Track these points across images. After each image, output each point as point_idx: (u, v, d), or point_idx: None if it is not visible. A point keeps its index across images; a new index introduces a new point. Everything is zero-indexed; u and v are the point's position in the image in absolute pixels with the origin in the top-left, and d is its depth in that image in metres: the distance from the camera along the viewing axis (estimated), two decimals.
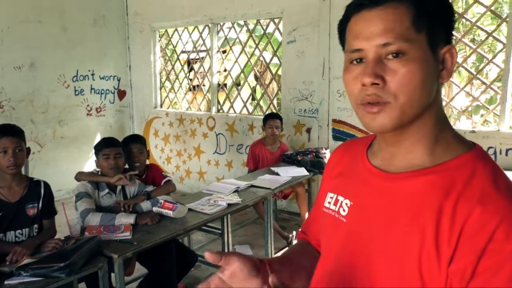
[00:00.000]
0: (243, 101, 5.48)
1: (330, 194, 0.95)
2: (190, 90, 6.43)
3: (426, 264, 0.72)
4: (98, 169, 2.94)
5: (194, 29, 5.87)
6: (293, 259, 1.00)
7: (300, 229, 1.22)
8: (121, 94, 6.52)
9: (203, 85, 6.24)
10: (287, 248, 1.18)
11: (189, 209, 2.90)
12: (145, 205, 2.85)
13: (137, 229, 2.56)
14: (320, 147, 4.46)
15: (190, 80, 6.57)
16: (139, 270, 3.13)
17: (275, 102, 5.89)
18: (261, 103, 5.58)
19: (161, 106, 6.42)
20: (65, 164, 5.75)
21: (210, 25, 5.55)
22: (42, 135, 5.66)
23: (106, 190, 2.80)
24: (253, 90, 5.48)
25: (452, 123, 4.04)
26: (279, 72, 5.19)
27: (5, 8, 5.15)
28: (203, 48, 5.96)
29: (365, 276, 0.81)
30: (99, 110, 6.26)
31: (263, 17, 5.15)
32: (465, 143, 0.82)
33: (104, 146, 2.87)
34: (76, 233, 2.48)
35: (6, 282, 1.92)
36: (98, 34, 6.12)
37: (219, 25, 5.56)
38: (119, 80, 6.47)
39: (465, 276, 0.68)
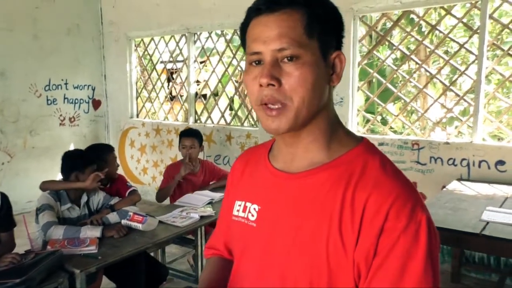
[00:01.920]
0: (220, 111, 5.42)
1: (238, 202, 0.96)
2: (168, 100, 6.34)
3: (333, 253, 0.77)
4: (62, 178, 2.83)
5: (170, 38, 5.80)
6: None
7: (206, 246, 1.17)
8: (96, 103, 6.39)
9: (181, 95, 6.16)
10: (204, 272, 1.10)
11: (160, 222, 2.81)
12: (112, 217, 2.75)
13: (103, 242, 2.46)
14: None
15: (170, 90, 6.48)
16: (108, 284, 3.01)
17: (253, 112, 5.84)
18: (239, 113, 5.52)
19: (137, 116, 6.31)
20: (36, 175, 5.54)
21: (186, 34, 5.49)
22: (12, 145, 5.49)
23: (69, 204, 2.68)
24: (231, 100, 5.42)
25: (426, 134, 4.10)
26: None
27: None
28: (181, 58, 5.89)
29: (278, 275, 0.84)
30: (72, 120, 6.11)
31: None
32: (355, 138, 0.89)
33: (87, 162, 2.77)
34: (37, 247, 2.36)
35: None
36: (72, 43, 6.00)
37: (196, 34, 5.51)
38: (93, 90, 6.34)
39: (368, 257, 0.75)
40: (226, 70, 5.39)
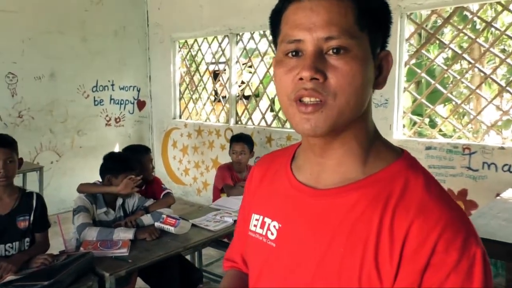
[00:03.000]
0: (261, 112, 5.34)
1: (255, 216, 0.86)
2: (211, 101, 6.33)
3: (366, 285, 0.67)
4: (100, 181, 2.85)
5: (213, 39, 5.80)
6: None
7: (224, 257, 1.07)
8: (141, 104, 6.50)
9: (223, 97, 6.14)
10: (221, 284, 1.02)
11: (193, 225, 2.77)
12: (146, 219, 2.74)
13: (135, 245, 2.44)
14: None
15: (216, 91, 6.49)
16: (143, 286, 3.01)
17: None
18: (280, 114, 5.42)
19: (180, 117, 6.36)
20: (82, 174, 5.69)
21: (229, 35, 5.46)
22: (61, 144, 5.67)
23: (104, 208, 2.69)
24: (272, 101, 5.33)
25: (479, 138, 3.83)
26: None
27: (27, 20, 5.20)
28: (224, 59, 5.87)
29: None
30: (118, 120, 6.25)
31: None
32: (395, 150, 0.78)
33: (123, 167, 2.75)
34: (71, 248, 2.38)
35: None
36: (118, 45, 6.12)
37: (238, 35, 5.47)
38: (139, 91, 6.45)
39: None
40: (267, 71, 5.30)
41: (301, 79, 0.68)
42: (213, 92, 6.05)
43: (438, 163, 3.85)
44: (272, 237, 0.81)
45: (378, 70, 0.75)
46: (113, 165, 2.76)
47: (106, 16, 5.94)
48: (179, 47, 6.27)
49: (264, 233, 0.83)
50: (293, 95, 0.70)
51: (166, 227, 2.61)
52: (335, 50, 0.68)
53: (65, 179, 5.56)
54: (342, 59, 0.68)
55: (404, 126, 4.33)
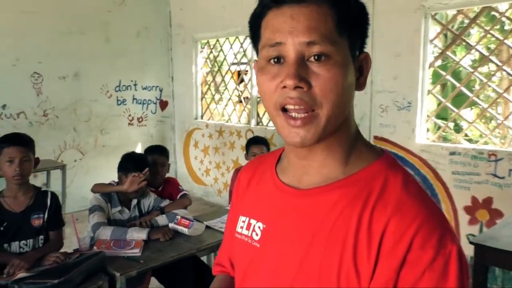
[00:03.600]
0: None
1: (242, 218, 0.88)
2: (232, 101, 6.32)
3: (345, 283, 0.68)
4: (116, 181, 2.86)
5: (235, 40, 5.79)
6: None
7: (214, 262, 1.08)
8: (163, 104, 6.54)
9: (245, 98, 6.13)
10: None
11: (208, 227, 2.75)
12: (161, 219, 2.74)
13: (148, 246, 2.44)
14: None
15: (241, 92, 6.48)
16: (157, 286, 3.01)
17: None
18: None
19: (201, 118, 6.37)
20: (105, 173, 5.76)
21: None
22: (84, 143, 5.76)
23: (119, 207, 2.69)
24: None
25: (507, 144, 3.69)
26: None
27: (52, 20, 5.32)
28: (246, 59, 5.85)
29: None
30: (140, 120, 6.31)
31: None
32: (375, 151, 0.79)
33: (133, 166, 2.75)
34: (84, 246, 2.39)
35: None
36: (141, 45, 6.19)
37: None
38: (161, 91, 6.50)
39: None
40: None
41: (285, 87, 0.69)
42: (236, 93, 6.03)
43: (462, 169, 3.73)
44: (257, 238, 0.82)
45: (359, 72, 0.76)
46: (125, 164, 2.78)
47: (129, 16, 6.01)
48: (201, 47, 6.29)
49: (249, 234, 0.84)
50: (278, 104, 0.70)
51: (180, 228, 2.60)
52: (316, 57, 0.68)
53: (88, 177, 5.62)
54: (323, 66, 0.68)
55: (428, 130, 4.21)
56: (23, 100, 5.19)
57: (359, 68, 0.76)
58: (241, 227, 0.87)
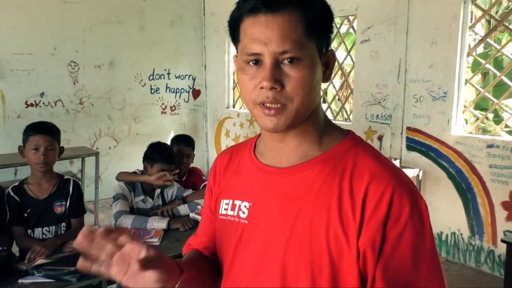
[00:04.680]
0: None
1: (224, 201, 0.95)
2: None
3: (334, 242, 0.78)
4: (140, 169, 2.89)
5: None
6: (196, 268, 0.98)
7: (186, 243, 1.14)
8: (196, 93, 6.58)
9: None
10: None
11: None
12: (183, 209, 2.75)
13: (168, 235, 2.45)
14: (391, 157, 4.05)
15: None
16: None
17: (346, 106, 5.53)
18: (333, 106, 5.26)
19: (233, 107, 6.36)
20: (138, 161, 5.85)
21: None
22: (118, 131, 5.89)
23: (142, 196, 2.72)
24: (324, 92, 5.17)
25: None
26: (352, 74, 4.84)
27: (88, 10, 5.42)
28: None
29: (277, 271, 0.83)
30: (173, 108, 6.37)
31: (337, 14, 4.81)
32: (342, 131, 0.91)
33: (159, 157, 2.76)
34: None
35: (20, 281, 1.91)
36: (175, 34, 6.22)
37: None
38: (194, 80, 6.53)
39: (375, 244, 0.76)
40: None
41: (262, 87, 0.79)
42: None
43: (500, 163, 3.54)
44: (244, 216, 0.90)
45: (325, 66, 0.86)
46: (151, 154, 2.79)
47: (163, 5, 6.04)
48: None
49: (235, 214, 0.91)
50: (257, 101, 0.81)
51: (200, 218, 2.59)
52: (288, 60, 0.78)
53: (122, 164, 5.74)
54: (295, 68, 0.79)
55: (466, 122, 4.02)
56: (60, 88, 5.34)
57: (325, 63, 0.85)
58: (225, 209, 0.93)
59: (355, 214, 0.78)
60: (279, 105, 0.80)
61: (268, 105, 0.80)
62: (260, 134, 0.97)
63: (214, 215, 0.99)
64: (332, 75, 0.94)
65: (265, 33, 0.78)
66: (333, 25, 0.87)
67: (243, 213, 0.90)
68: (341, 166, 0.83)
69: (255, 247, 0.86)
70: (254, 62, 0.81)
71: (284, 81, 0.79)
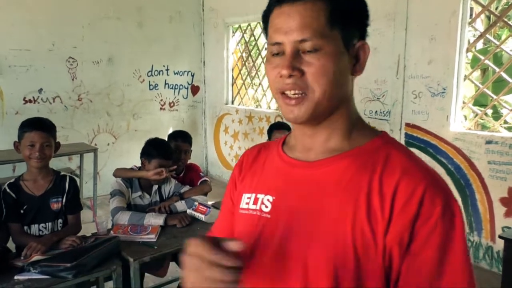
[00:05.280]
0: None
1: (246, 195, 0.93)
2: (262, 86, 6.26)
3: (360, 238, 0.76)
4: (138, 166, 2.89)
5: None
6: None
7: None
8: (195, 89, 6.56)
9: None
10: None
11: None
12: (180, 205, 2.74)
13: (165, 231, 2.45)
14: None
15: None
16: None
17: None
18: None
19: (232, 103, 6.35)
20: (137, 157, 5.84)
21: None
22: (117, 127, 5.88)
23: (139, 192, 2.71)
24: None
25: None
26: None
27: (87, 6, 5.40)
28: None
29: (300, 266, 0.80)
30: (172, 104, 6.36)
31: None
32: (374, 130, 0.89)
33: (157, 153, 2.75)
34: (102, 230, 2.42)
35: (15, 277, 1.90)
36: (173, 30, 6.20)
37: None
38: (193, 76, 6.51)
39: (403, 243, 0.74)
40: None
41: (282, 76, 0.79)
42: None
43: (499, 159, 3.54)
44: (267, 210, 0.87)
45: (355, 59, 0.83)
46: (149, 149, 2.79)
47: (162, 1, 6.02)
48: (233, 32, 6.23)
49: (258, 208, 0.89)
50: (278, 89, 0.82)
51: (197, 214, 2.59)
52: (309, 49, 0.78)
53: (121, 160, 5.73)
54: (315, 56, 0.78)
55: (465, 118, 4.01)
56: (59, 84, 5.33)
57: (356, 56, 0.83)
58: (247, 203, 0.91)
59: (383, 212, 0.75)
60: (299, 95, 0.80)
61: (289, 94, 0.80)
62: (291, 132, 0.96)
63: (231, 210, 0.98)
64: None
65: (286, 23, 0.79)
66: (367, 16, 0.85)
67: (266, 207, 0.88)
68: (370, 163, 0.80)
69: (276, 242, 0.84)
70: (277, 53, 0.81)
71: (304, 69, 0.78)
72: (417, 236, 0.74)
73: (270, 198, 0.88)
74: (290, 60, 0.78)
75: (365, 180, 0.78)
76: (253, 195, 0.91)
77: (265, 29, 0.87)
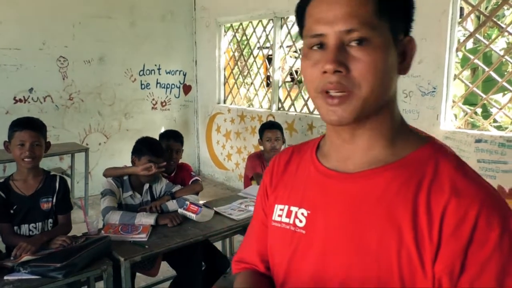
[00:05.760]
0: (304, 99, 5.21)
1: (279, 206, 0.86)
2: (266, 86, 6.25)
3: (406, 265, 0.68)
4: (129, 166, 2.88)
5: (258, 23, 5.70)
6: None
7: (234, 259, 1.01)
8: (187, 89, 6.55)
9: (267, 82, 6.05)
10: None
11: (217, 213, 2.73)
12: (171, 204, 2.74)
13: (156, 231, 2.45)
14: None
15: (268, 77, 6.42)
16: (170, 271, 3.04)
17: None
18: None
19: (224, 102, 6.35)
20: (129, 156, 5.85)
21: (273, 19, 5.34)
22: (108, 127, 5.85)
23: (130, 192, 2.71)
24: None
25: None
26: None
27: (77, 4, 5.37)
28: (269, 43, 5.75)
29: None
30: (164, 104, 6.34)
31: None
32: (421, 136, 0.79)
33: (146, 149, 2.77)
34: (93, 230, 2.42)
35: (5, 277, 1.89)
36: (165, 29, 6.18)
37: (282, 19, 5.33)
38: (185, 75, 6.50)
39: (454, 272, 0.65)
40: None
41: (325, 72, 0.70)
42: (263, 77, 5.95)
43: (488, 157, 3.57)
44: (301, 225, 0.80)
45: (402, 56, 0.75)
46: (138, 147, 2.80)
47: (154, 0, 6.00)
48: (224, 31, 6.23)
49: (291, 222, 0.82)
50: (319, 88, 0.72)
51: (188, 214, 2.59)
52: (356, 42, 0.69)
53: (113, 160, 5.72)
54: (363, 50, 0.69)
55: (456, 117, 4.04)
56: (50, 84, 5.29)
57: (402, 52, 0.75)
58: (279, 216, 0.85)
59: (431, 235, 0.67)
60: (344, 93, 0.70)
61: (331, 93, 0.71)
62: (325, 134, 0.87)
63: (264, 221, 0.91)
64: None
65: (330, 11, 0.70)
66: (413, 8, 0.77)
67: (300, 221, 0.80)
68: (417, 177, 0.71)
69: (312, 261, 0.77)
70: (318, 46, 0.72)
71: (351, 65, 0.69)
72: (469, 264, 0.65)
73: (305, 212, 0.81)
74: (336, 53, 0.69)
75: (410, 196, 0.70)
76: (286, 207, 0.84)
77: (299, 22, 0.78)
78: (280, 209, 0.85)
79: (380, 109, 0.75)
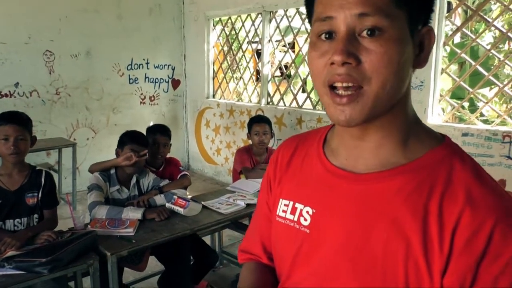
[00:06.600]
0: (293, 93, 5.21)
1: (283, 201, 0.83)
2: (255, 80, 6.24)
3: (413, 277, 0.65)
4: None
5: (247, 17, 5.67)
6: None
7: (239, 248, 1.00)
8: (175, 83, 6.51)
9: (255, 76, 6.04)
10: (242, 280, 0.93)
11: (205, 207, 2.73)
12: (159, 199, 2.73)
13: (143, 225, 2.43)
14: None
15: (257, 71, 6.39)
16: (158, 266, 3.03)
17: None
18: (312, 95, 5.26)
19: (213, 97, 6.32)
20: None
21: (262, 13, 5.32)
22: (96, 121, 5.80)
23: (117, 186, 2.70)
24: (304, 82, 5.17)
25: None
26: None
27: None
28: (258, 37, 5.73)
29: None
30: (152, 99, 6.30)
31: None
32: (436, 136, 0.75)
33: (129, 139, 2.77)
34: (79, 225, 2.40)
35: None
36: (153, 23, 6.12)
37: (271, 13, 5.31)
38: (173, 69, 6.46)
39: (465, 285, 0.62)
40: (300, 49, 5.14)
41: (333, 63, 0.65)
42: (249, 72, 5.94)
43: (475, 151, 3.60)
44: (306, 223, 0.78)
45: (419, 48, 0.70)
46: (122, 138, 2.81)
47: None
48: (213, 25, 6.20)
49: (295, 219, 0.79)
50: (326, 82, 0.67)
51: (176, 208, 2.58)
52: (369, 32, 0.64)
53: (101, 155, 5.65)
54: (376, 41, 0.63)
55: (443, 111, 4.07)
56: (36, 78, 5.22)
57: (419, 44, 0.70)
58: (284, 211, 0.82)
59: (442, 245, 0.63)
60: (353, 91, 0.65)
61: (340, 92, 0.66)
62: (333, 125, 0.82)
63: (268, 214, 0.89)
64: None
65: None
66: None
67: (305, 220, 0.78)
68: (429, 182, 0.67)
69: (316, 262, 0.75)
70: (326, 36, 0.67)
71: (362, 56, 0.64)
72: (481, 278, 0.61)
73: (310, 210, 0.78)
74: (345, 43, 0.64)
75: (421, 203, 0.66)
76: (291, 203, 0.81)
77: (309, 11, 0.73)
78: (285, 205, 0.83)
79: (393, 106, 0.70)
